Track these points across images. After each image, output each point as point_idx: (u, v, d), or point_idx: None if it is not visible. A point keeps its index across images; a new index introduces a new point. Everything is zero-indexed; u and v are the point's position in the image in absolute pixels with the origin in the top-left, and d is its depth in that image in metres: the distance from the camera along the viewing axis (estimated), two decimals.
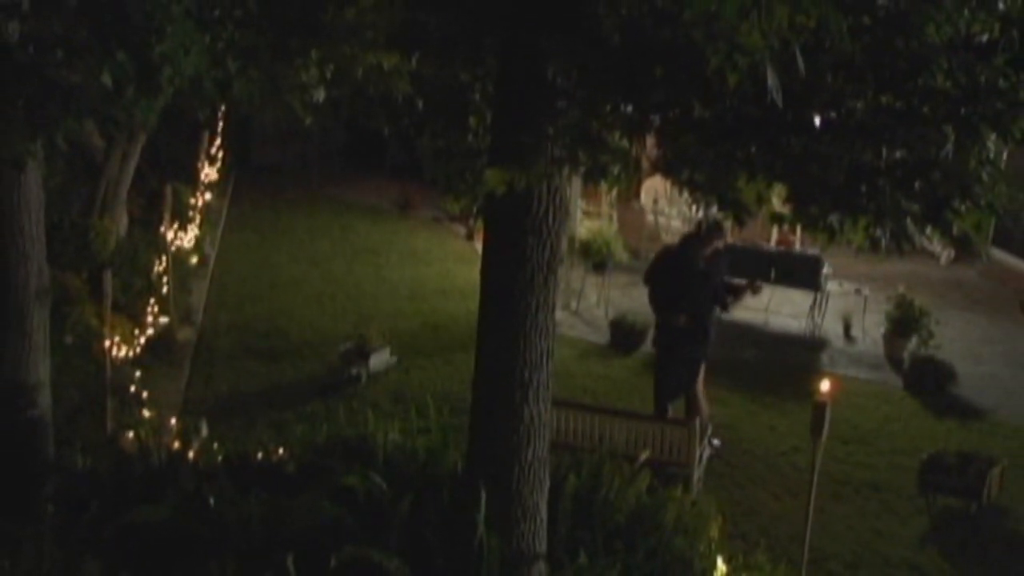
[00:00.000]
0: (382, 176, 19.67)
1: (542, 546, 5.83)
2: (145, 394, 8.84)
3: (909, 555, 7.58)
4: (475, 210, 12.64)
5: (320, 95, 6.86)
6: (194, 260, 13.48)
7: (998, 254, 15.25)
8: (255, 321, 12.06)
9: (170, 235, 11.86)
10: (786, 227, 11.62)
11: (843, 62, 4.28)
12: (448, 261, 15.12)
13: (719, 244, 8.96)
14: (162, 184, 12.79)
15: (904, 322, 11.52)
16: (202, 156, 15.95)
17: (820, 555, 7.36)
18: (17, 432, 6.82)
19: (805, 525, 6.34)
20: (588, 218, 14.66)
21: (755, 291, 9.30)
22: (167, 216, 11.70)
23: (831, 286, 12.56)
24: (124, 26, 4.97)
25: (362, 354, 10.30)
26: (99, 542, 5.82)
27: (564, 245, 7.96)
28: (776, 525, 7.85)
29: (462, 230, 16.67)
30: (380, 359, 10.45)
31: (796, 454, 9.00)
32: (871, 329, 12.25)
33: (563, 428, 7.79)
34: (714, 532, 6.60)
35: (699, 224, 9.11)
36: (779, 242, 14.15)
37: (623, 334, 11.51)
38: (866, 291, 12.67)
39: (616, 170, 5.02)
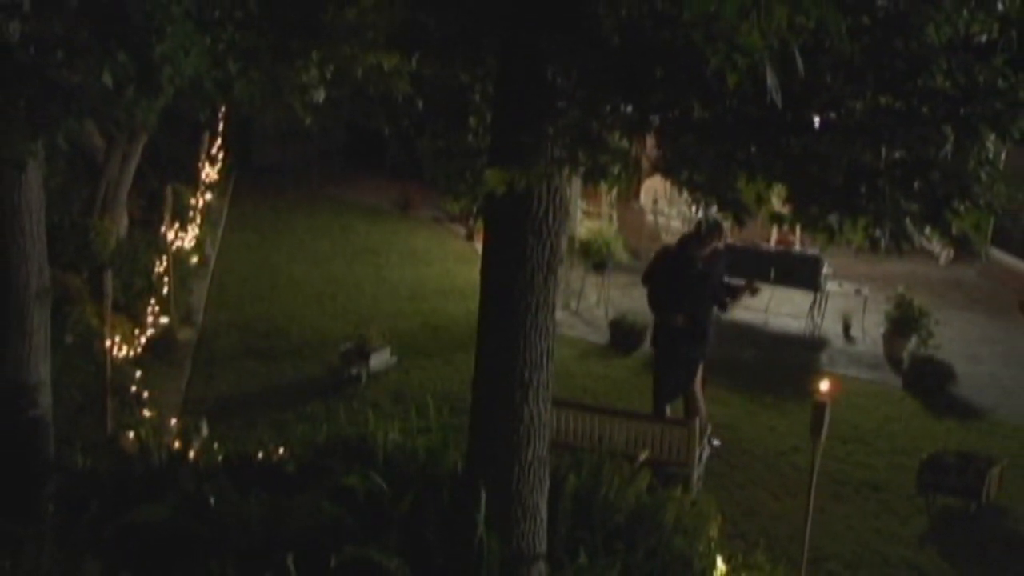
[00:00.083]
0: (382, 176, 19.69)
1: (542, 546, 5.83)
2: (145, 394, 8.85)
3: (909, 555, 7.59)
4: (475, 210, 12.66)
5: (320, 95, 6.88)
6: (194, 260, 13.49)
7: (997, 254, 15.25)
8: (255, 321, 12.07)
9: (170, 235, 11.87)
10: (786, 227, 11.61)
11: (842, 62, 4.28)
12: (448, 261, 15.14)
13: (718, 244, 8.97)
14: (163, 184, 12.82)
15: (903, 322, 11.53)
16: (202, 156, 15.98)
17: (820, 555, 7.37)
18: (18, 432, 6.83)
19: (805, 525, 6.34)
20: (588, 218, 14.67)
21: (753, 292, 9.31)
22: (167, 216, 11.72)
23: (831, 286, 12.57)
24: (125, 27, 4.99)
25: (362, 354, 10.31)
26: (99, 542, 5.82)
27: (564, 245, 7.96)
28: (776, 525, 7.86)
29: (462, 230, 16.68)
30: (380, 359, 10.46)
31: (796, 454, 9.01)
32: (871, 329, 12.26)
33: (563, 428, 7.80)
34: (714, 532, 6.61)
35: (698, 224, 9.11)
36: (779, 242, 14.16)
37: (623, 334, 11.52)
38: (866, 291, 12.68)
39: (616, 170, 5.02)
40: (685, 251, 8.73)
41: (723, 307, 9.18)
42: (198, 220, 14.54)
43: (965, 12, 4.38)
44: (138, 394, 8.78)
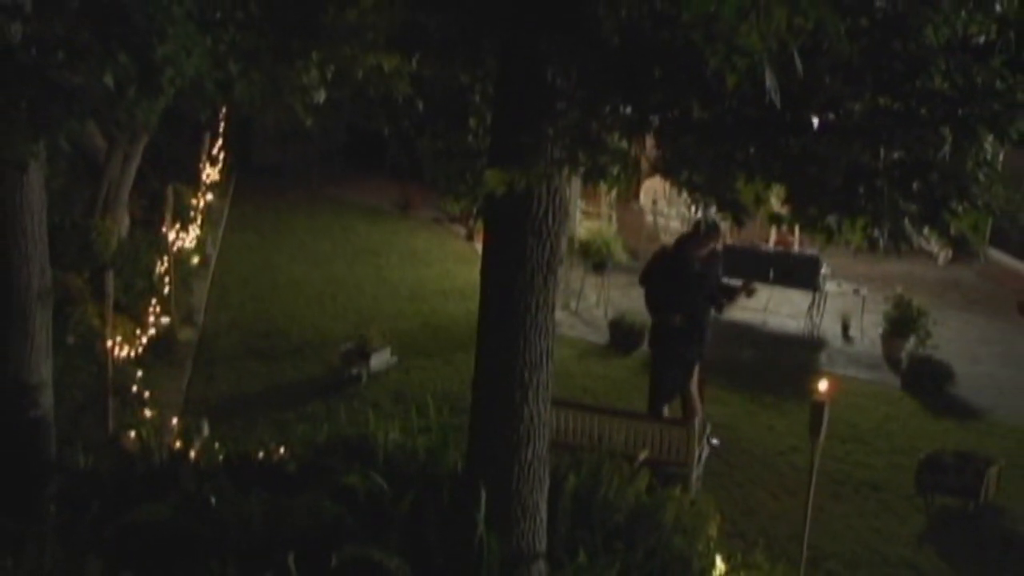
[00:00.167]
0: (382, 177, 19.69)
1: (542, 545, 5.85)
2: (147, 394, 8.86)
3: (907, 554, 7.61)
4: (475, 211, 12.69)
5: (321, 96, 6.90)
6: (195, 260, 13.51)
7: (995, 254, 15.27)
8: (256, 321, 12.09)
9: (171, 236, 11.88)
10: (784, 227, 11.62)
11: (841, 63, 4.29)
12: (448, 262, 15.15)
13: (715, 245, 8.98)
14: (164, 185, 12.82)
15: (902, 322, 11.55)
16: (203, 157, 15.98)
17: (819, 554, 7.38)
18: (19, 432, 6.83)
19: (804, 524, 6.36)
20: (588, 218, 14.69)
21: (749, 293, 9.32)
22: (168, 217, 11.72)
23: (829, 286, 12.58)
24: (126, 28, 5.01)
25: (363, 354, 10.33)
26: (101, 541, 5.84)
27: (564, 245, 7.97)
28: (775, 524, 7.88)
29: (462, 231, 16.69)
30: (381, 359, 10.48)
31: (795, 453, 9.03)
32: (869, 329, 12.27)
33: (563, 428, 7.81)
34: (713, 531, 6.62)
35: (696, 225, 9.13)
36: (778, 242, 14.18)
37: (622, 334, 11.54)
38: (864, 291, 12.70)
39: (615, 171, 5.03)
40: (682, 252, 8.74)
41: (719, 308, 9.20)
42: (199, 220, 14.55)
43: (963, 13, 4.40)
44: (139, 394, 8.80)
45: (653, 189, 15.16)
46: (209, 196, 16.01)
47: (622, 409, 8.72)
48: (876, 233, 4.68)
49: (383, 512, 5.97)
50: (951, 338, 12.06)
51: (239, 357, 10.92)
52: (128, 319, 10.06)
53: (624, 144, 4.92)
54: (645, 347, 10.28)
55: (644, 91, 4.52)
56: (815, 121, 4.50)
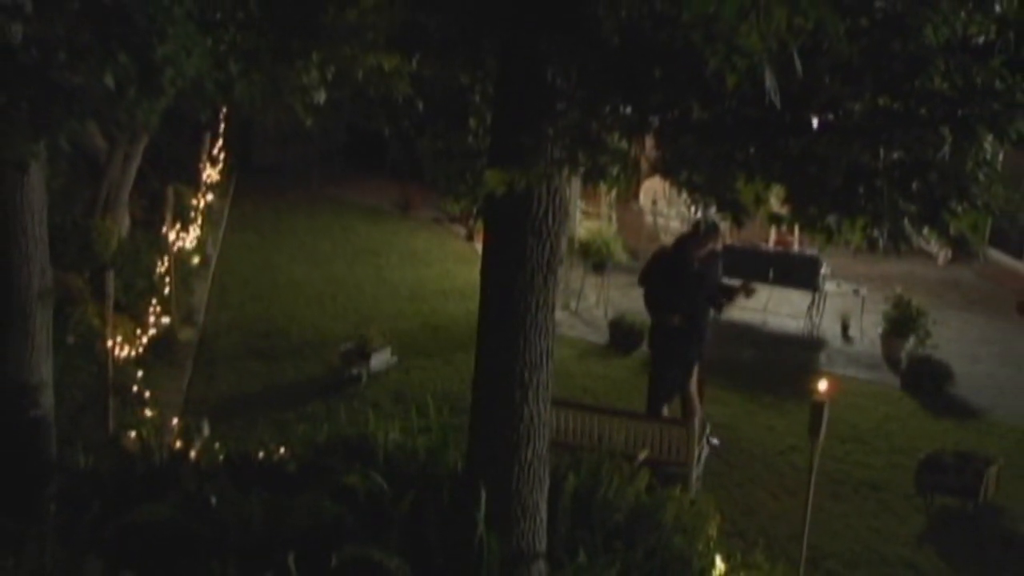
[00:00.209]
0: (382, 177, 19.70)
1: (542, 545, 5.85)
2: (147, 394, 8.86)
3: (907, 554, 7.62)
4: (475, 211, 12.72)
5: (321, 96, 6.90)
6: (196, 260, 13.52)
7: (995, 255, 15.28)
8: (256, 321, 12.09)
9: (172, 236, 11.88)
10: (784, 227, 11.64)
11: (841, 64, 4.30)
12: (448, 262, 15.16)
13: (714, 245, 8.99)
14: (164, 185, 12.82)
15: (901, 322, 11.56)
16: (204, 157, 15.99)
17: (818, 554, 7.39)
18: (20, 432, 6.85)
19: (803, 524, 6.36)
20: (587, 219, 14.69)
21: (748, 293, 9.33)
22: (169, 217, 11.73)
23: (829, 286, 12.59)
24: (126, 28, 5.01)
25: (363, 354, 10.33)
26: (101, 541, 5.84)
27: (564, 245, 7.99)
28: (774, 524, 7.88)
29: (462, 231, 16.70)
30: (381, 359, 10.49)
31: (794, 453, 9.04)
32: (869, 329, 12.28)
33: (563, 427, 7.81)
34: (713, 531, 6.63)
35: (695, 225, 9.14)
36: (777, 242, 14.19)
37: (622, 334, 11.55)
38: (864, 291, 12.70)
39: (615, 171, 5.04)
40: (681, 252, 8.75)
41: (719, 308, 9.20)
42: (199, 221, 14.56)
43: (963, 14, 4.40)
44: (139, 394, 8.80)
45: (653, 189, 15.16)
46: (209, 196, 16.02)
47: (622, 409, 8.73)
48: (876, 233, 4.69)
49: (383, 512, 5.98)
50: (950, 338, 12.07)
51: (239, 357, 10.92)
52: (128, 319, 10.06)
53: (624, 144, 4.93)
54: (645, 347, 10.29)
55: (644, 91, 4.53)
56: (815, 121, 4.51)
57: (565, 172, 5.19)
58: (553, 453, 6.14)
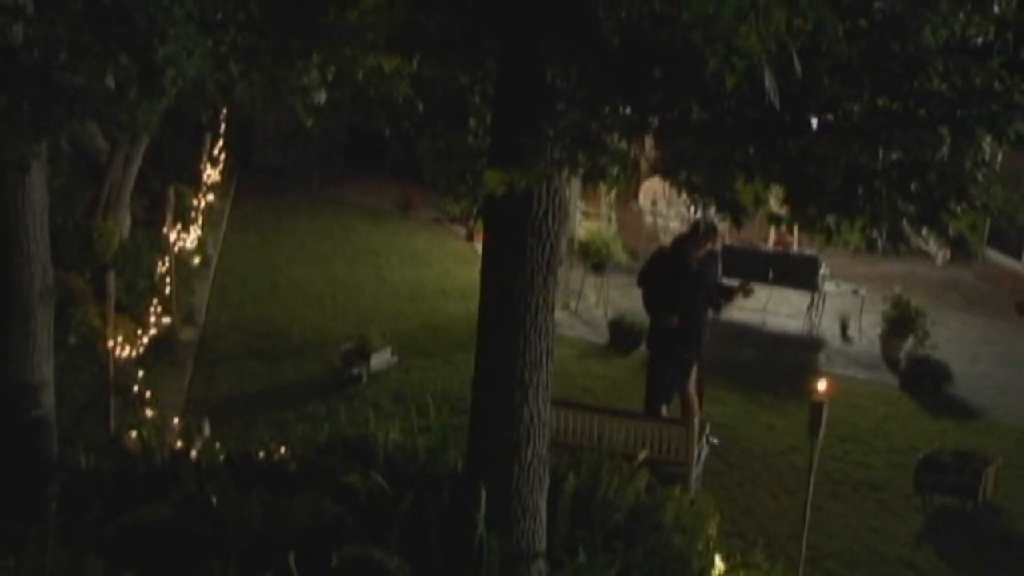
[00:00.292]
0: (383, 177, 19.72)
1: (542, 545, 5.86)
2: (148, 394, 8.87)
3: (906, 553, 7.63)
4: (475, 211, 12.69)
5: (321, 97, 6.91)
6: (196, 261, 13.53)
7: (993, 255, 15.30)
8: (257, 321, 12.10)
9: (173, 236, 11.91)
10: (783, 228, 11.65)
11: (840, 65, 4.31)
12: (448, 262, 15.17)
13: (713, 245, 9.00)
14: (165, 185, 12.85)
15: (900, 322, 11.57)
16: (204, 158, 16.02)
17: (817, 553, 7.40)
18: (21, 432, 6.85)
19: (803, 523, 6.38)
20: (587, 219, 14.71)
21: (747, 293, 9.33)
22: (170, 217, 11.75)
23: (828, 286, 12.61)
24: (127, 29, 5.02)
25: (363, 354, 10.34)
26: (102, 541, 5.85)
27: (563, 246, 8.00)
28: (774, 523, 7.89)
29: (462, 231, 16.72)
30: (381, 359, 10.50)
31: (794, 453, 9.05)
32: (868, 329, 12.29)
33: (562, 427, 7.83)
34: (712, 530, 6.64)
35: (694, 225, 9.15)
36: (777, 243, 14.19)
37: (622, 334, 11.56)
38: (863, 291, 12.72)
39: (615, 171, 5.06)
40: (680, 252, 8.76)
41: (717, 308, 9.20)
42: (200, 221, 14.58)
43: (961, 15, 4.42)
44: (140, 394, 8.81)
45: (652, 190, 15.17)
46: (210, 197, 16.04)
47: (622, 409, 8.73)
48: (875, 233, 4.70)
49: (383, 512, 5.99)
50: (949, 338, 12.08)
51: (240, 357, 10.93)
52: (129, 319, 10.08)
53: (624, 145, 4.94)
54: (643, 347, 10.30)
55: (644, 92, 4.54)
56: (814, 122, 4.52)
57: (565, 172, 5.20)
58: (553, 453, 6.15)
